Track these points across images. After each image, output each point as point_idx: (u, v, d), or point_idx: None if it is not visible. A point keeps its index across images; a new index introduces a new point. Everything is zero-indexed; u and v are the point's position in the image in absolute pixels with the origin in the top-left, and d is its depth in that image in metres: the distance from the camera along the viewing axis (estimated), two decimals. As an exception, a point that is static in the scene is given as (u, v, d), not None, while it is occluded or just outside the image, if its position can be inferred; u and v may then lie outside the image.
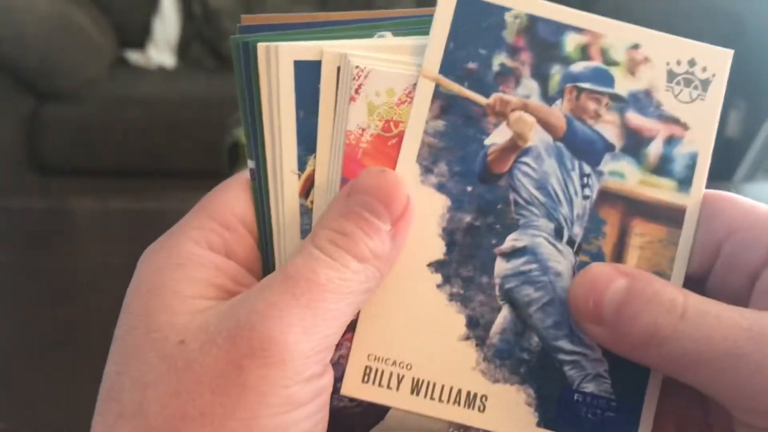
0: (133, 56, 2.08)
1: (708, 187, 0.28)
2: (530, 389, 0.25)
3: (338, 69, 0.24)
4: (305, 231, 0.25)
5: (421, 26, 0.25)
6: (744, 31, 1.88)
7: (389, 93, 0.24)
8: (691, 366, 0.22)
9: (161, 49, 2.08)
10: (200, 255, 0.24)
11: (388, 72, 0.24)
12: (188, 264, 0.24)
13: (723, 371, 0.22)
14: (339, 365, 0.25)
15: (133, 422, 0.21)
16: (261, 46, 0.24)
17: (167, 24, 2.08)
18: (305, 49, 0.24)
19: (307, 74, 0.24)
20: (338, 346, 0.24)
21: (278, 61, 0.24)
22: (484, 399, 0.25)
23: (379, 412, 0.26)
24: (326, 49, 0.24)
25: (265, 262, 0.25)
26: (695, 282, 0.25)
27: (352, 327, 0.25)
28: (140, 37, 2.08)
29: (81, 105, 1.79)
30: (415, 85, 0.24)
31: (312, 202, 0.25)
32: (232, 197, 0.25)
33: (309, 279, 0.22)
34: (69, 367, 0.52)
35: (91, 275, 0.67)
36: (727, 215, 0.25)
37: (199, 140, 1.76)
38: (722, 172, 1.88)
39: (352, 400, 0.25)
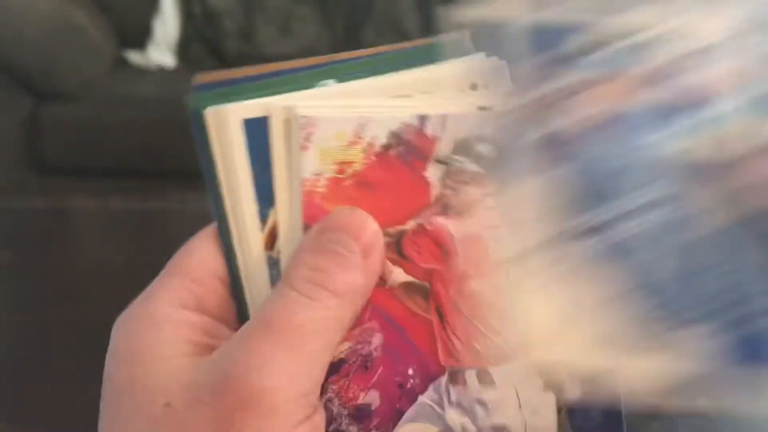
0: (133, 56, 2.08)
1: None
2: None
3: (286, 121, 0.25)
4: (274, 281, 0.25)
5: (361, 69, 0.26)
6: (744, 31, 1.88)
7: (339, 136, 0.25)
8: None
9: (161, 50, 2.08)
10: (173, 314, 0.24)
11: (335, 117, 0.25)
12: (163, 325, 0.24)
13: None
14: (327, 407, 0.25)
15: None
16: (209, 111, 0.25)
17: (167, 24, 2.08)
18: (252, 107, 0.25)
19: (257, 130, 0.25)
20: (323, 389, 0.24)
21: (227, 122, 0.24)
22: None
23: None
24: (273, 105, 0.25)
25: (238, 313, 0.26)
26: None
27: (335, 370, 0.24)
28: (140, 38, 2.08)
29: (81, 105, 1.79)
30: (362, 125, 0.25)
31: (278, 252, 0.25)
32: (202, 252, 0.26)
33: (288, 323, 0.22)
34: (69, 367, 0.52)
35: (91, 275, 0.67)
36: None
37: (199, 140, 1.76)
38: (722, 172, 1.88)
39: None
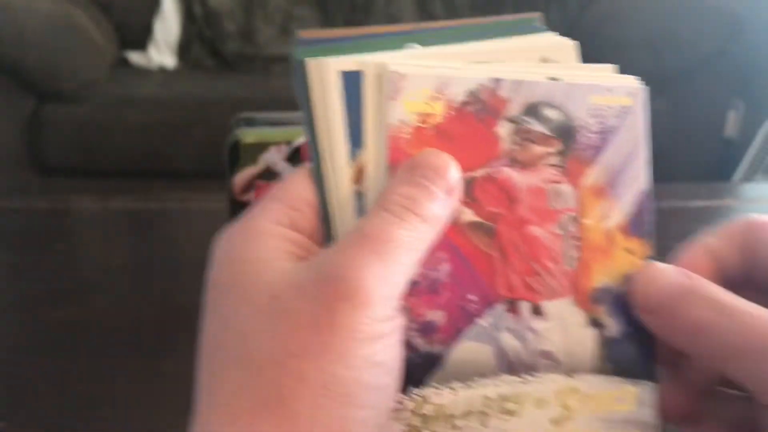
0: (134, 57, 2.08)
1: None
2: None
3: (377, 76, 0.29)
4: (360, 210, 0.29)
5: (443, 37, 0.30)
6: (743, 31, 1.88)
7: (423, 92, 0.29)
8: (730, 358, 0.26)
9: (162, 50, 2.08)
10: (272, 228, 0.28)
11: (421, 74, 0.29)
12: (264, 236, 0.28)
13: (757, 362, 0.26)
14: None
15: (241, 365, 0.25)
16: (311, 62, 0.29)
17: (168, 25, 2.08)
18: (349, 61, 0.29)
19: (352, 82, 0.29)
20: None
21: (327, 72, 0.28)
22: None
23: (436, 360, 0.29)
24: (366, 61, 0.29)
25: (327, 237, 0.29)
26: (738, 288, 0.28)
27: (408, 289, 0.28)
28: (141, 38, 2.08)
29: (82, 105, 1.79)
30: (444, 83, 0.28)
31: (363, 187, 0.29)
32: (297, 183, 0.30)
33: (382, 237, 0.26)
34: (69, 367, 0.52)
35: (91, 275, 0.67)
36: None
37: (199, 140, 1.76)
38: (721, 172, 1.88)
39: (412, 349, 0.28)
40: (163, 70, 2.06)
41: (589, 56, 0.30)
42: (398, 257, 0.26)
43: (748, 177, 1.68)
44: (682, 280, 0.28)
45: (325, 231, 0.29)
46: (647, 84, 0.28)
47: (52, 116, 1.78)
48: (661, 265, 0.29)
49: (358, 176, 0.29)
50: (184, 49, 2.10)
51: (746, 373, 0.26)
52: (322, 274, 0.26)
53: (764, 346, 0.25)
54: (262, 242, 0.28)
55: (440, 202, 0.28)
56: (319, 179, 0.29)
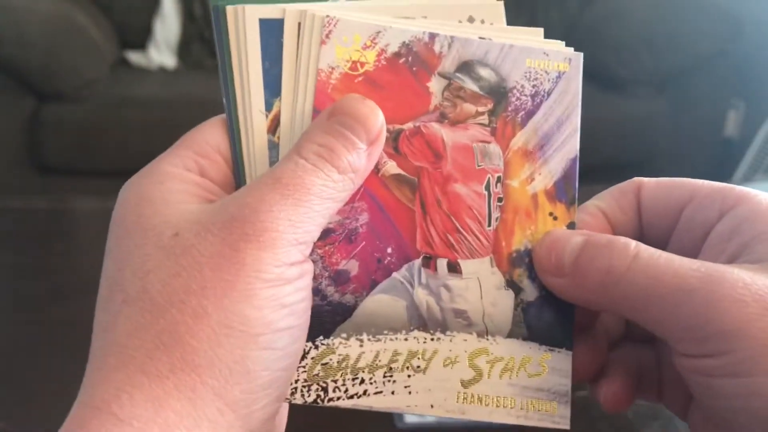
0: (134, 57, 2.08)
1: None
2: None
3: (299, 24, 0.28)
4: (273, 162, 0.28)
5: None
6: (743, 31, 1.88)
7: (355, 39, 0.28)
8: (643, 303, 0.25)
9: (162, 50, 2.08)
10: (179, 173, 0.27)
11: (355, 21, 0.28)
12: (169, 180, 0.26)
13: (673, 306, 0.24)
14: (315, 264, 0.28)
15: (138, 303, 0.24)
16: (230, 8, 0.28)
17: (168, 25, 2.08)
18: (269, 9, 0.28)
19: (271, 31, 0.28)
20: (311, 251, 0.27)
21: (245, 19, 0.28)
22: None
23: (347, 310, 0.28)
24: (288, 8, 0.28)
25: (238, 187, 0.28)
26: (658, 246, 0.28)
27: (323, 237, 0.27)
28: (141, 38, 2.08)
29: (82, 105, 1.79)
30: (378, 32, 0.28)
31: (279, 137, 0.28)
32: (208, 131, 0.28)
33: (296, 183, 0.25)
34: (68, 367, 0.52)
35: (91, 275, 0.67)
36: (688, 185, 0.29)
37: (199, 140, 1.76)
38: (721, 172, 1.88)
39: (322, 298, 0.28)
40: (163, 70, 2.06)
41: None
42: (310, 204, 0.25)
43: (748, 177, 1.68)
44: (580, 237, 0.27)
45: (237, 181, 0.28)
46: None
47: (52, 116, 1.78)
48: (557, 230, 0.28)
49: (273, 126, 0.28)
50: (184, 49, 2.10)
51: (658, 318, 0.25)
52: (228, 214, 0.25)
53: (681, 289, 0.24)
54: (168, 185, 0.26)
55: (359, 153, 0.26)
56: (232, 128, 0.29)
